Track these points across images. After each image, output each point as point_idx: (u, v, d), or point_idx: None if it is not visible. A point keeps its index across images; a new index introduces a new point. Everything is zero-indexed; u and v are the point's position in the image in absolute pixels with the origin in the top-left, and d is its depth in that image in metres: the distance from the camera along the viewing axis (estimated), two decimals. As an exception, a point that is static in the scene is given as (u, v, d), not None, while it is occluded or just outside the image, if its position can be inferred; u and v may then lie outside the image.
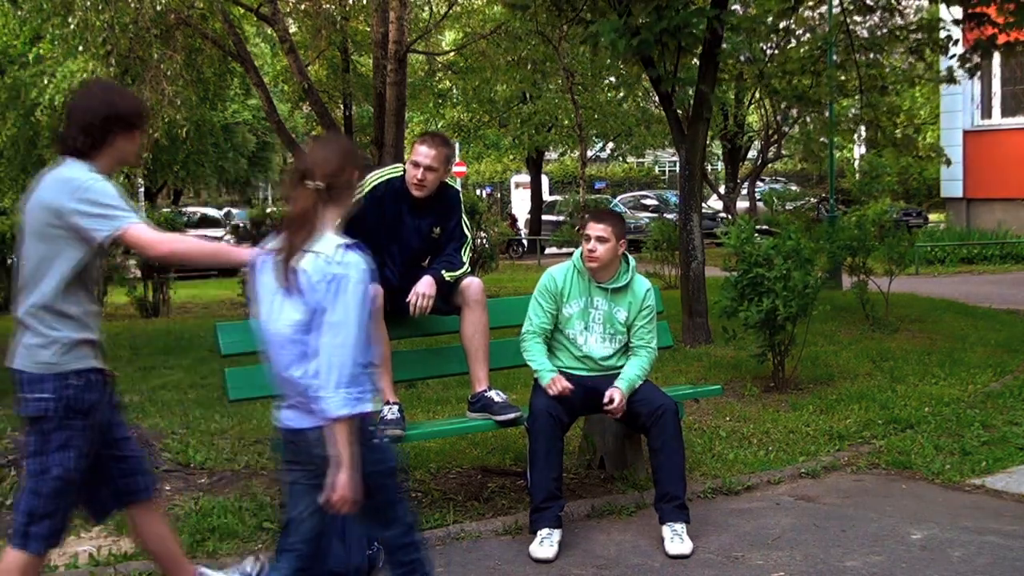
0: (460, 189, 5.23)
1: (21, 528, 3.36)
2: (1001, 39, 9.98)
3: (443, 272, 4.83)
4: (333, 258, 3.01)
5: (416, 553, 3.26)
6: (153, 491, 3.74)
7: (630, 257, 4.97)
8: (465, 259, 4.97)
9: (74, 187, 3.31)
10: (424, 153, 4.78)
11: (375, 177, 4.90)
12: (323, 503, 3.03)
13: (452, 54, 22.85)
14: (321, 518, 3.15)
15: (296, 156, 3.27)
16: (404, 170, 4.89)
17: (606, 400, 4.69)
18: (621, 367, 4.85)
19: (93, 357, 3.43)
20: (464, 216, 5.07)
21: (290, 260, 3.03)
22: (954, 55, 10.62)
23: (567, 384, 4.72)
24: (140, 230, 3.36)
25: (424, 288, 4.76)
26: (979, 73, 11.27)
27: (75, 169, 3.37)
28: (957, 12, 10.25)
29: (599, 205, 24.59)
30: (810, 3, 12.38)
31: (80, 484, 3.44)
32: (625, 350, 4.92)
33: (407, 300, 4.74)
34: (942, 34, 10.97)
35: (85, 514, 3.70)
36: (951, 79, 11.09)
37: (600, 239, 4.77)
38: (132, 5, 13.21)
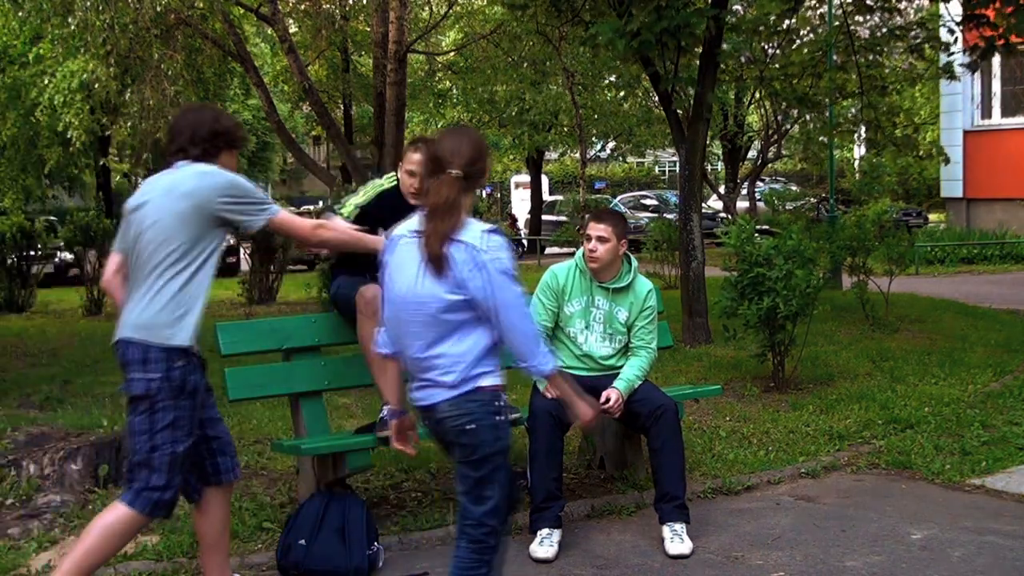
0: None
1: (137, 488, 3.53)
2: (1000, 40, 9.97)
3: None
4: (480, 246, 3.18)
5: (493, 538, 3.28)
6: (237, 473, 3.89)
7: (632, 257, 4.97)
8: None
9: (222, 182, 3.61)
10: (418, 161, 4.79)
11: (378, 185, 4.95)
12: (584, 428, 3.65)
13: (452, 54, 22.85)
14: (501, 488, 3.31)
15: (427, 146, 3.71)
16: (397, 179, 4.94)
17: (603, 400, 4.69)
18: (621, 367, 4.85)
19: (197, 340, 3.61)
20: None
21: (441, 247, 3.17)
22: (954, 53, 10.62)
23: (616, 410, 4.69)
24: (286, 216, 3.79)
25: None
26: (979, 72, 11.29)
27: (207, 166, 3.65)
28: (956, 9, 10.24)
29: (600, 205, 24.55)
30: (811, 3, 12.40)
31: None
32: (625, 350, 4.91)
33: None
34: (942, 32, 10.98)
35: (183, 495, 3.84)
36: (951, 74, 11.09)
37: (601, 239, 4.77)
38: (132, 5, 13.20)
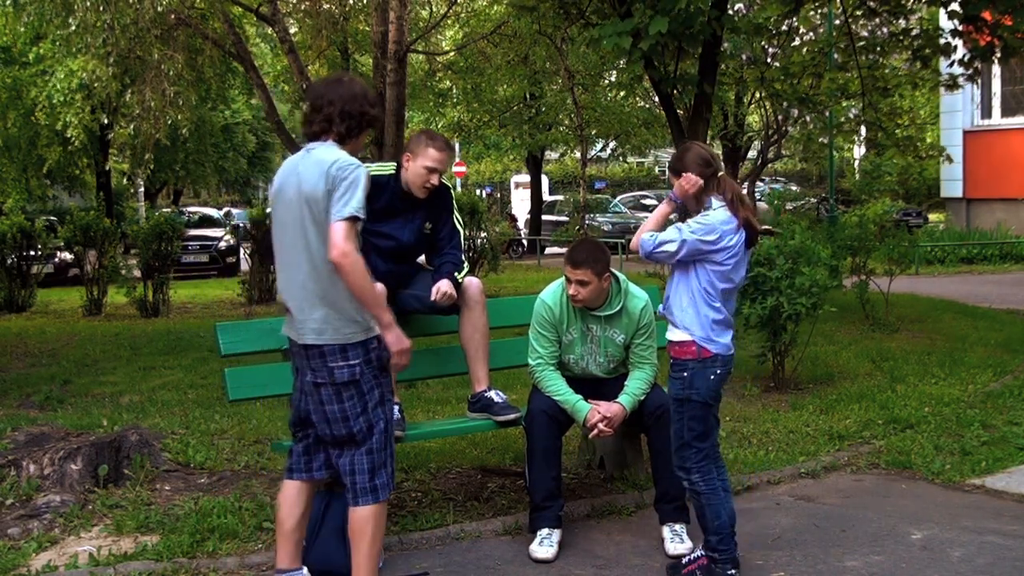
0: (450, 186, 5.18)
1: (366, 486, 3.68)
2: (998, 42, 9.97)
3: (455, 274, 4.82)
4: None
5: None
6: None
7: (620, 276, 4.79)
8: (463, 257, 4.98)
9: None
10: (438, 158, 4.75)
11: (371, 169, 4.79)
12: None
13: (452, 54, 22.84)
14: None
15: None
16: (397, 166, 4.84)
17: (597, 420, 4.60)
18: (624, 375, 4.80)
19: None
20: (456, 212, 5.04)
21: None
22: (953, 61, 10.62)
23: (608, 429, 4.64)
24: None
25: (447, 287, 4.76)
26: (978, 72, 11.29)
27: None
28: (957, 18, 10.24)
29: (600, 204, 24.57)
30: (814, 4, 12.41)
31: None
32: (625, 360, 4.85)
33: (435, 295, 4.72)
34: (941, 40, 10.97)
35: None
36: (953, 84, 11.08)
37: (581, 283, 4.57)
38: (132, 5, 13.20)
